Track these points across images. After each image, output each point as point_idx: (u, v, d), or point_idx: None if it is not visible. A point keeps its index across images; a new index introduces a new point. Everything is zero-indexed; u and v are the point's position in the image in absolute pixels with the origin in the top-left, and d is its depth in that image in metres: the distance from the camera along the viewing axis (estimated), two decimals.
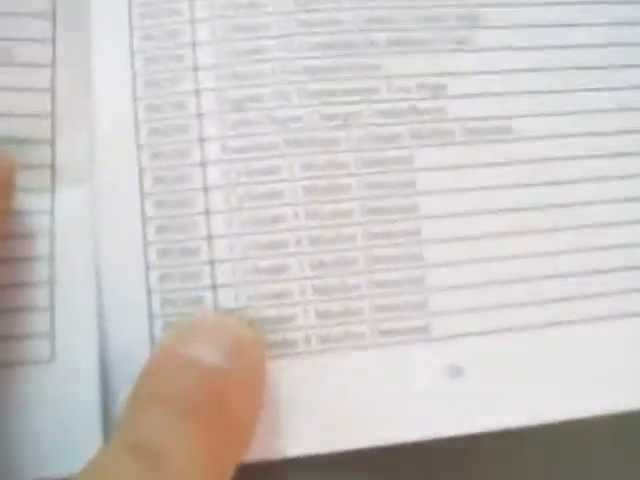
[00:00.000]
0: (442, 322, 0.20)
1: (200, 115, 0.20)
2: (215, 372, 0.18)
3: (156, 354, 0.18)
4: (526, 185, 0.20)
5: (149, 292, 0.19)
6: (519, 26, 0.21)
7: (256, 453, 0.19)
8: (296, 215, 0.20)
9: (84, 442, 0.18)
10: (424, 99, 0.20)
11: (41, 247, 0.19)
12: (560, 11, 0.21)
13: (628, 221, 0.21)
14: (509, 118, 0.21)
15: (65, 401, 0.18)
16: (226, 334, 0.18)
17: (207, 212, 0.20)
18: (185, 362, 0.18)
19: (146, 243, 0.19)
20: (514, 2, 0.21)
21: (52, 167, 0.20)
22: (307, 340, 0.19)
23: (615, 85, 0.21)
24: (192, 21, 0.20)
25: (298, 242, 0.20)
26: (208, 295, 0.19)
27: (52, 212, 0.19)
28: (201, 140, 0.20)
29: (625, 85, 0.21)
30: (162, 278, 0.19)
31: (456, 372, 0.20)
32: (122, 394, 0.18)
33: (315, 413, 0.19)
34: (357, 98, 0.20)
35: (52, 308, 0.19)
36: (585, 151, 0.21)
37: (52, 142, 0.20)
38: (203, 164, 0.20)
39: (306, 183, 0.20)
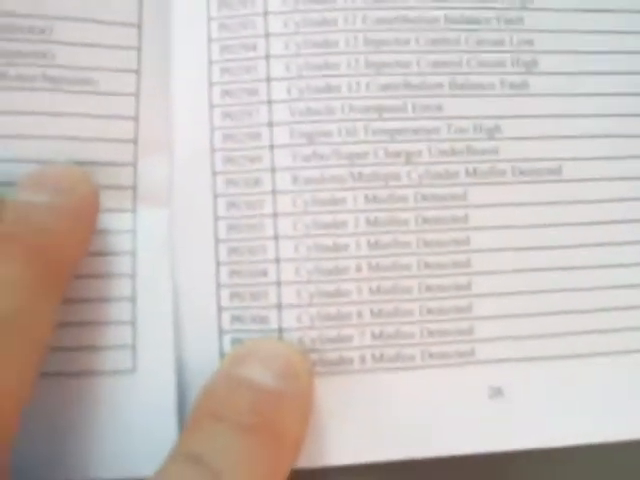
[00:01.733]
0: (485, 347, 0.22)
1: (272, 146, 0.21)
2: (266, 392, 0.19)
3: (214, 375, 0.20)
4: (573, 224, 0.22)
5: (220, 309, 0.21)
6: (573, 73, 0.22)
7: (307, 461, 0.21)
8: (358, 244, 0.21)
9: (160, 448, 0.19)
10: (480, 139, 0.22)
11: (124, 265, 0.21)
12: (614, 59, 0.23)
13: None
14: (560, 160, 0.22)
15: (145, 409, 0.20)
16: (278, 357, 0.20)
17: (276, 237, 0.21)
18: (238, 382, 0.19)
19: (218, 263, 0.21)
20: (570, 50, 0.22)
21: (134, 189, 0.21)
22: (362, 359, 0.21)
23: None
24: (267, 57, 0.22)
25: (358, 269, 0.21)
26: (273, 314, 0.21)
27: (134, 232, 0.21)
28: (273, 170, 0.21)
29: None
30: (232, 296, 0.21)
31: (496, 393, 0.22)
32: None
33: (366, 425, 0.21)
34: (420, 137, 0.22)
35: (134, 322, 0.20)
36: (633, 194, 0.22)
37: (134, 166, 0.21)
38: (274, 192, 0.21)
39: (368, 215, 0.21)
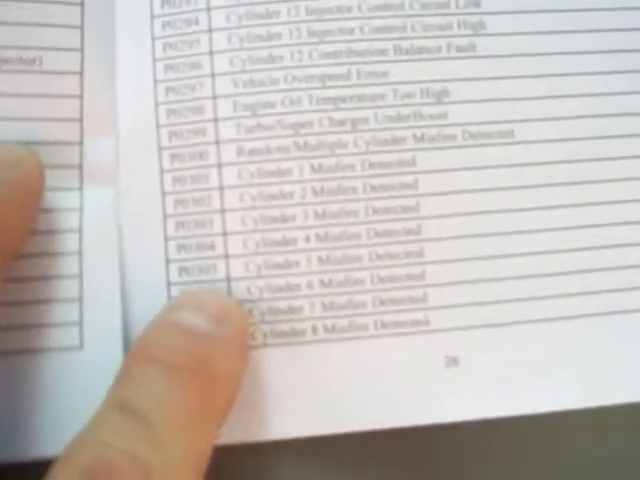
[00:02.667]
0: (440, 315, 0.21)
1: (217, 119, 0.21)
2: (197, 334, 0.19)
3: (150, 321, 0.20)
4: (526, 187, 0.22)
5: (169, 284, 0.21)
6: (521, 34, 0.22)
7: (259, 434, 0.21)
8: (305, 214, 0.21)
9: None
10: (427, 104, 0.22)
11: (71, 243, 0.21)
12: (564, 18, 0.22)
13: (631, 221, 0.22)
14: (511, 122, 0.22)
15: (92, 385, 0.20)
16: (210, 301, 0.20)
17: (222, 210, 0.21)
18: (170, 326, 0.19)
19: (166, 238, 0.21)
20: (518, 10, 0.22)
21: (80, 168, 0.21)
22: (314, 330, 0.21)
23: (618, 90, 0.22)
24: (210, 30, 0.22)
25: (307, 239, 0.21)
26: (223, 287, 0.21)
27: (81, 210, 0.21)
28: (217, 142, 0.21)
29: (627, 90, 0.22)
30: (181, 271, 0.21)
31: (452, 362, 0.21)
32: None
33: (321, 397, 0.21)
34: (365, 104, 0.21)
35: (81, 299, 0.21)
36: (586, 155, 0.22)
37: (80, 144, 0.21)
38: (219, 165, 0.21)
39: (315, 185, 0.21)
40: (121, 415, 0.18)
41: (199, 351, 0.19)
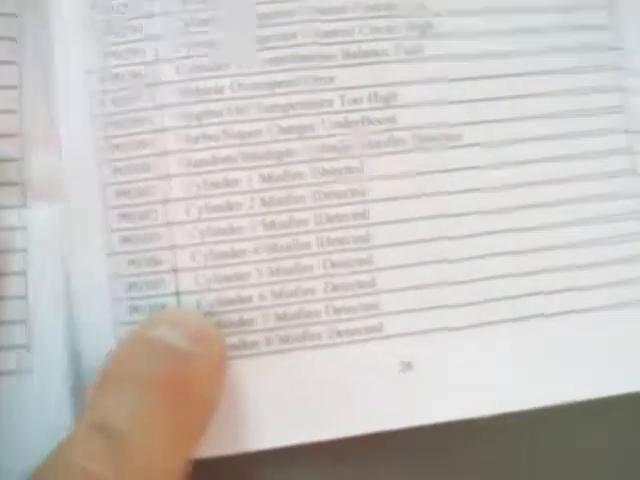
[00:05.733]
0: (394, 321, 0.21)
1: (162, 130, 0.21)
2: (177, 353, 0.19)
3: (124, 338, 0.20)
4: (476, 189, 0.21)
5: (115, 300, 0.21)
6: (469, 34, 0.22)
7: (223, 448, 0.20)
8: (254, 225, 0.21)
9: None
10: (375, 109, 0.21)
11: (16, 262, 0.20)
12: (510, 18, 0.22)
13: (582, 219, 0.22)
14: (460, 125, 0.22)
15: (40, 408, 0.20)
16: (190, 320, 0.20)
17: (169, 223, 0.21)
18: (148, 342, 0.19)
19: (111, 253, 0.21)
20: (465, 10, 0.22)
21: (23, 185, 0.21)
22: (268, 341, 0.21)
23: (566, 88, 0.22)
24: (155, 38, 0.21)
25: (257, 251, 0.21)
26: (172, 301, 0.21)
27: (25, 228, 0.21)
28: (163, 154, 0.21)
29: (578, 87, 0.22)
30: (128, 287, 0.21)
31: (406, 367, 0.21)
32: None
33: (278, 409, 0.21)
34: (312, 110, 0.21)
35: (26, 321, 0.20)
36: (536, 156, 0.22)
37: (22, 160, 0.21)
38: (165, 177, 0.21)
39: (264, 194, 0.21)
40: (95, 434, 0.18)
41: (178, 369, 0.19)
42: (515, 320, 0.21)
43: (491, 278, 0.21)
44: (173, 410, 0.18)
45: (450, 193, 0.21)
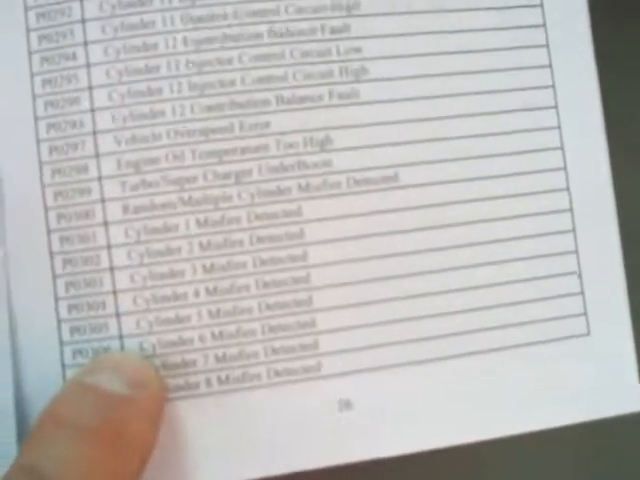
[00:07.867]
0: (332, 361, 0.22)
1: (100, 178, 0.21)
2: (112, 399, 0.19)
3: (63, 384, 0.20)
4: (412, 230, 0.22)
5: (61, 344, 0.21)
6: (403, 78, 0.22)
7: None
8: (194, 269, 0.21)
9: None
10: (311, 153, 0.22)
11: None
12: (443, 60, 0.22)
13: (513, 258, 0.22)
14: (396, 167, 0.22)
15: None
16: (128, 365, 0.20)
17: (111, 268, 0.21)
18: (85, 389, 0.20)
19: (56, 299, 0.21)
20: (399, 55, 0.22)
21: None
22: (208, 382, 0.21)
23: (501, 130, 0.23)
24: (90, 88, 0.21)
25: (196, 294, 0.21)
26: (115, 344, 0.21)
27: None
28: (103, 201, 0.21)
29: (510, 129, 0.23)
30: (72, 330, 0.21)
31: (345, 405, 0.22)
32: None
33: (218, 449, 0.21)
34: (248, 156, 0.22)
35: None
36: (474, 195, 0.22)
37: None
38: (105, 224, 0.21)
39: (202, 239, 0.21)
40: (24, 478, 0.18)
41: (113, 415, 0.19)
42: (452, 357, 0.22)
43: (425, 317, 0.22)
44: (106, 457, 0.19)
45: (387, 234, 0.22)
